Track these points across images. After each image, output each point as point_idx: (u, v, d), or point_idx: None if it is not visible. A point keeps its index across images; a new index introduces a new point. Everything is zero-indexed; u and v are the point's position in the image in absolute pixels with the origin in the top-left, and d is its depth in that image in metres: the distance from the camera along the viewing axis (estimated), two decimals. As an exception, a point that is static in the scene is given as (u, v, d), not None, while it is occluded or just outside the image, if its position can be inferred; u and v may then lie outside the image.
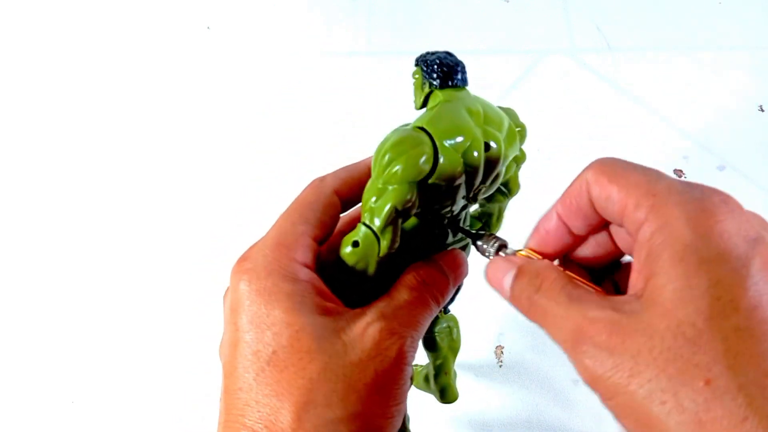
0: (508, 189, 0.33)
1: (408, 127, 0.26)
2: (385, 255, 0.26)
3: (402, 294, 0.27)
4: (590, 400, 0.50)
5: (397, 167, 0.25)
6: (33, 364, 0.54)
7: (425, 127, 0.26)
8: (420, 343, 0.29)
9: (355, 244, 0.26)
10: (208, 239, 0.60)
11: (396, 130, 0.26)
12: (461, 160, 0.26)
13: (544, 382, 0.51)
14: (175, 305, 0.56)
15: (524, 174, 0.32)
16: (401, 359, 0.25)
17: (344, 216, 0.30)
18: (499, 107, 0.29)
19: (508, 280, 0.26)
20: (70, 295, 0.58)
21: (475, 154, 0.26)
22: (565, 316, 0.23)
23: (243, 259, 0.27)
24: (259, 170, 0.65)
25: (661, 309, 0.20)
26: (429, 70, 0.28)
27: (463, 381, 0.50)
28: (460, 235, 0.31)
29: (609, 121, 0.67)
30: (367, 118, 0.67)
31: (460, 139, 0.25)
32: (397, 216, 0.25)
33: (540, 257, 0.27)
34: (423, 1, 0.78)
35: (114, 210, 0.63)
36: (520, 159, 0.31)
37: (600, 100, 0.68)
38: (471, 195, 0.28)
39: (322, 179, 0.30)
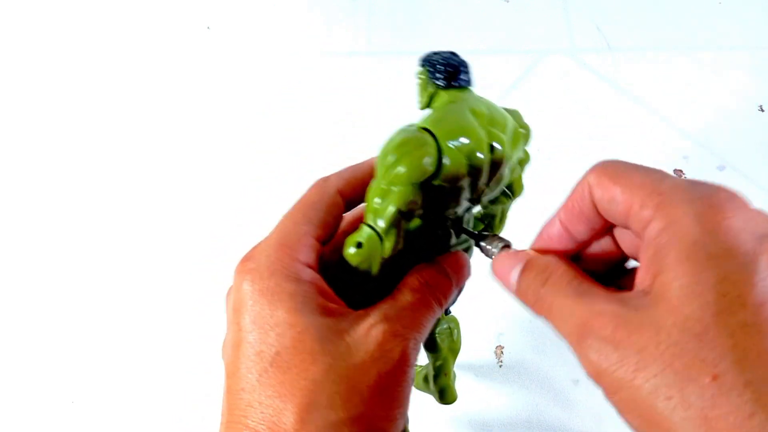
0: (511, 191, 0.32)
1: (412, 127, 0.26)
2: (388, 256, 0.26)
3: (405, 296, 0.27)
4: (590, 400, 0.51)
5: (401, 168, 0.25)
6: (33, 364, 0.54)
7: (429, 128, 0.26)
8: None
9: (359, 245, 0.26)
10: (208, 239, 0.60)
11: (400, 130, 0.26)
12: (465, 161, 0.25)
13: (544, 382, 0.51)
14: (176, 305, 0.56)
15: (524, 174, 0.32)
16: (404, 361, 0.25)
17: (347, 215, 0.30)
18: (504, 108, 0.29)
19: (514, 275, 0.26)
20: (70, 295, 0.58)
21: (480, 155, 0.26)
22: (571, 310, 0.22)
23: (246, 258, 0.27)
24: (259, 170, 0.64)
25: (668, 304, 0.20)
26: (433, 71, 0.28)
27: (463, 381, 0.50)
28: (463, 236, 0.31)
29: (609, 121, 0.67)
30: (367, 118, 0.67)
31: (464, 140, 0.25)
32: (400, 217, 0.25)
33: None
34: (423, 1, 0.78)
35: (114, 210, 0.63)
36: (524, 161, 0.31)
37: (600, 100, 0.68)
38: (475, 197, 0.28)
39: (326, 179, 0.29)
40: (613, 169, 0.24)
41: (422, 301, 0.27)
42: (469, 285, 0.32)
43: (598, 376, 0.21)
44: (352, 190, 0.29)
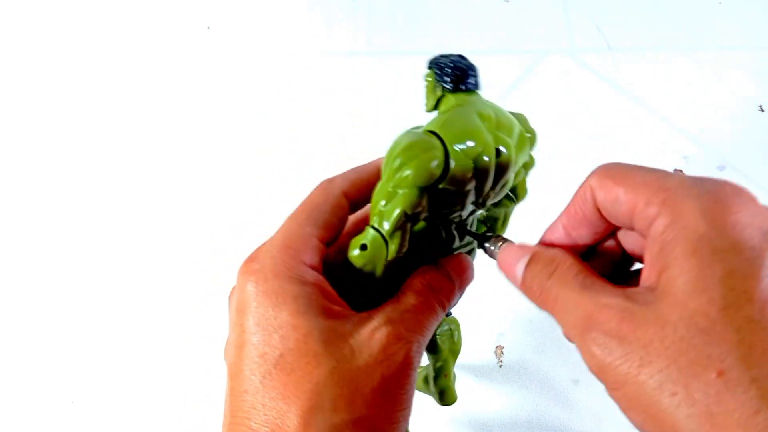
0: (515, 194, 0.32)
1: (419, 130, 0.26)
2: (393, 258, 0.26)
3: (409, 298, 0.27)
4: (590, 400, 0.51)
5: (407, 171, 0.25)
6: (33, 364, 0.54)
7: (437, 131, 0.25)
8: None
9: (363, 247, 0.26)
10: (208, 239, 0.60)
11: (407, 133, 0.26)
12: (472, 165, 0.25)
13: (544, 382, 0.51)
14: (176, 305, 0.56)
15: (527, 177, 0.32)
16: (408, 364, 0.25)
17: (352, 217, 0.30)
18: (510, 112, 0.29)
19: (520, 267, 0.26)
20: (70, 295, 0.58)
21: (486, 159, 0.26)
22: (576, 303, 0.22)
23: (250, 259, 0.27)
24: (259, 170, 0.64)
25: (674, 299, 0.20)
26: (441, 74, 0.28)
27: (463, 381, 0.50)
28: (466, 238, 0.31)
29: (609, 121, 0.67)
30: (367, 118, 0.67)
31: (471, 144, 0.25)
32: (406, 220, 0.25)
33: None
34: (423, 1, 0.78)
35: (114, 210, 0.63)
36: (529, 165, 0.30)
37: (600, 100, 0.68)
38: (480, 200, 0.28)
39: (330, 180, 0.29)
40: (614, 171, 0.24)
41: (426, 304, 0.27)
42: (470, 285, 0.32)
43: (600, 370, 0.21)
44: (357, 191, 0.29)
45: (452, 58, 0.28)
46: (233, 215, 0.61)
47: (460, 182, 0.26)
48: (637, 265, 0.27)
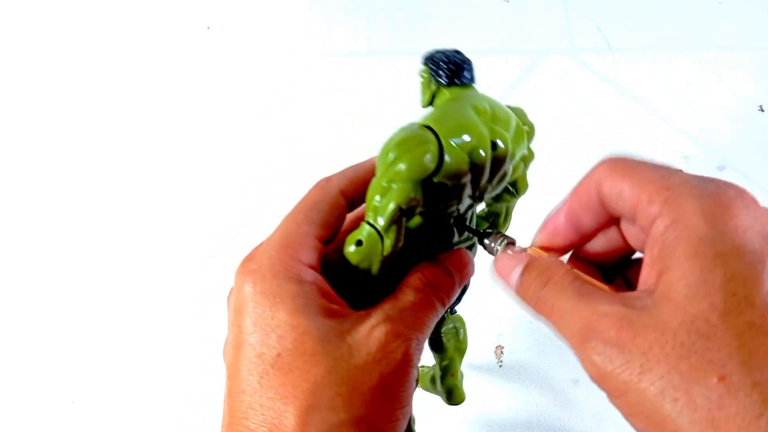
0: (516, 188, 0.32)
1: (414, 125, 0.26)
2: (389, 254, 0.26)
3: (407, 295, 0.27)
4: (590, 400, 0.51)
5: (401, 165, 0.24)
6: (33, 364, 0.54)
7: (431, 125, 0.25)
8: (426, 344, 0.29)
9: (359, 243, 0.26)
10: (208, 239, 0.60)
11: (401, 128, 0.26)
12: (467, 158, 0.25)
13: (544, 382, 0.51)
14: (176, 305, 0.56)
15: (528, 172, 0.32)
16: (407, 362, 0.25)
17: (350, 215, 0.30)
18: (508, 106, 0.29)
19: (515, 275, 0.26)
20: (70, 295, 0.58)
21: (482, 152, 0.26)
22: (573, 311, 0.22)
23: (248, 259, 0.27)
24: (259, 170, 0.64)
25: (674, 304, 0.19)
26: (436, 68, 0.28)
27: (463, 381, 0.50)
28: (466, 234, 0.31)
29: (609, 121, 0.67)
30: (367, 118, 0.67)
31: (466, 137, 0.25)
32: (401, 215, 0.25)
33: (548, 255, 0.26)
34: (423, 1, 0.78)
35: (114, 210, 0.63)
36: (528, 158, 0.30)
37: (600, 100, 0.68)
38: (477, 194, 0.28)
39: (328, 179, 0.29)
40: (621, 164, 0.23)
41: (424, 301, 0.27)
42: (471, 285, 0.32)
43: (601, 379, 0.21)
44: (355, 189, 0.29)
45: (447, 52, 0.28)
46: (233, 215, 0.61)
47: (455, 176, 0.25)
48: (639, 254, 0.27)
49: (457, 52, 0.28)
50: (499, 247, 0.28)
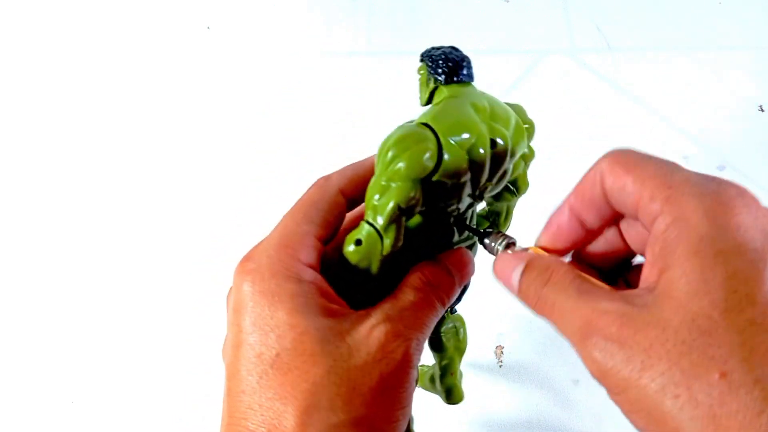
0: (516, 187, 0.32)
1: (412, 123, 0.26)
2: (388, 253, 0.26)
3: (407, 295, 0.27)
4: (590, 400, 0.50)
5: (400, 164, 0.24)
6: (33, 364, 0.54)
7: (429, 123, 0.25)
8: (425, 344, 0.29)
9: (358, 242, 0.26)
10: (208, 239, 0.60)
11: (400, 126, 0.26)
12: (466, 156, 0.25)
13: (544, 382, 0.51)
14: (176, 305, 0.56)
15: (528, 171, 0.32)
16: (407, 362, 0.25)
17: (350, 215, 0.30)
18: (507, 103, 0.29)
19: (516, 275, 0.26)
20: (70, 295, 0.57)
21: (481, 150, 0.25)
22: (574, 309, 0.22)
23: (246, 259, 0.27)
24: (259, 170, 0.64)
25: (676, 301, 0.19)
26: (434, 66, 0.27)
27: (463, 381, 0.50)
28: (466, 233, 0.31)
29: (609, 121, 0.67)
30: (367, 118, 0.67)
31: (465, 135, 0.25)
32: (400, 214, 0.25)
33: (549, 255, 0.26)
34: (423, 1, 0.78)
35: (114, 210, 0.63)
36: (528, 156, 0.30)
37: (600, 100, 0.68)
38: (477, 193, 0.28)
39: (327, 178, 0.29)
40: (626, 158, 0.23)
41: (424, 301, 0.27)
42: (471, 284, 0.32)
43: (602, 375, 0.21)
44: (354, 188, 0.29)
45: (444, 50, 0.28)
46: (233, 215, 0.61)
47: (454, 174, 0.25)
48: (638, 259, 0.27)
49: (455, 48, 0.28)
50: (499, 247, 0.28)
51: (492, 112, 0.27)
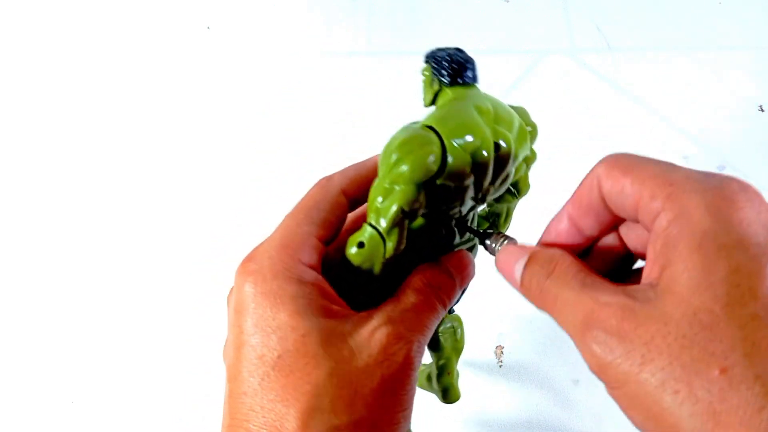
0: (517, 189, 0.32)
1: (416, 125, 0.26)
2: (391, 256, 0.26)
3: (409, 297, 0.27)
4: (590, 400, 0.51)
5: (404, 167, 0.24)
6: (33, 364, 0.54)
7: (434, 126, 0.25)
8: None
9: (361, 245, 0.26)
10: (208, 239, 0.60)
11: (404, 128, 0.25)
12: (470, 160, 0.25)
13: (544, 382, 0.51)
14: (176, 305, 0.56)
15: (529, 173, 0.32)
16: (408, 364, 0.25)
17: (351, 215, 0.30)
18: (511, 106, 0.28)
19: (519, 268, 0.26)
20: (70, 295, 0.57)
21: (485, 153, 0.25)
22: (575, 302, 0.22)
23: (248, 260, 0.27)
24: (259, 170, 0.64)
25: (677, 296, 0.19)
26: (438, 67, 0.27)
27: (463, 381, 0.50)
28: (467, 235, 0.31)
29: (609, 121, 0.67)
30: (367, 118, 0.67)
31: (469, 138, 0.25)
32: (403, 217, 0.25)
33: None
34: (423, 1, 0.78)
35: (114, 210, 0.62)
36: (530, 159, 0.30)
37: (600, 100, 0.68)
38: (480, 195, 0.28)
39: (329, 178, 0.29)
40: (622, 161, 0.23)
41: (426, 303, 0.27)
42: (470, 284, 0.32)
43: (601, 369, 0.20)
44: (357, 188, 0.29)
45: (449, 51, 0.28)
46: (233, 215, 0.61)
47: (458, 177, 0.25)
48: (638, 264, 0.27)
49: (460, 50, 0.28)
50: (499, 248, 0.28)
51: (496, 114, 0.27)
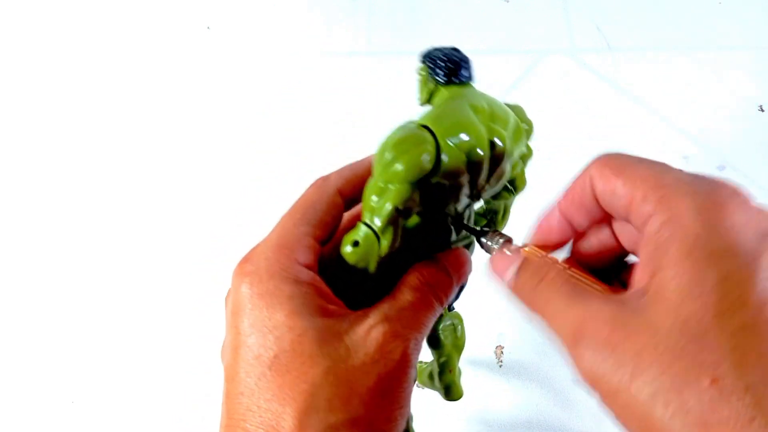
0: (514, 186, 0.32)
1: (411, 124, 0.26)
2: (386, 254, 0.26)
3: (405, 295, 0.27)
4: (590, 400, 0.50)
5: (398, 166, 0.24)
6: (33, 364, 0.54)
7: (428, 124, 0.25)
8: (423, 342, 0.29)
9: (356, 243, 0.26)
10: (208, 239, 0.60)
11: (399, 127, 0.25)
12: (465, 158, 0.25)
13: (544, 382, 0.51)
14: (175, 305, 0.56)
15: (526, 170, 0.32)
16: (405, 362, 0.25)
17: (347, 214, 0.30)
18: (506, 104, 0.29)
19: (510, 272, 0.26)
20: (70, 295, 0.58)
21: (480, 152, 0.25)
22: (566, 310, 0.22)
23: (245, 260, 0.27)
24: (259, 170, 0.64)
25: (667, 305, 0.19)
26: (434, 66, 0.27)
27: (463, 380, 0.50)
28: (464, 233, 0.31)
29: (609, 121, 0.67)
30: (367, 118, 0.67)
31: (464, 137, 0.25)
32: (398, 215, 0.25)
33: (545, 254, 0.26)
34: (423, 1, 0.78)
35: (114, 210, 0.63)
36: (526, 156, 0.30)
37: (600, 100, 0.68)
38: (475, 193, 0.28)
39: (325, 178, 0.29)
40: (615, 162, 0.23)
41: (422, 301, 0.27)
42: (469, 284, 0.32)
43: (593, 381, 0.20)
44: (353, 188, 0.29)
45: (445, 50, 0.28)
46: (233, 215, 0.61)
47: (453, 176, 0.25)
48: (632, 258, 0.27)
49: (456, 50, 0.28)
50: (496, 246, 0.28)
51: (491, 113, 0.27)
